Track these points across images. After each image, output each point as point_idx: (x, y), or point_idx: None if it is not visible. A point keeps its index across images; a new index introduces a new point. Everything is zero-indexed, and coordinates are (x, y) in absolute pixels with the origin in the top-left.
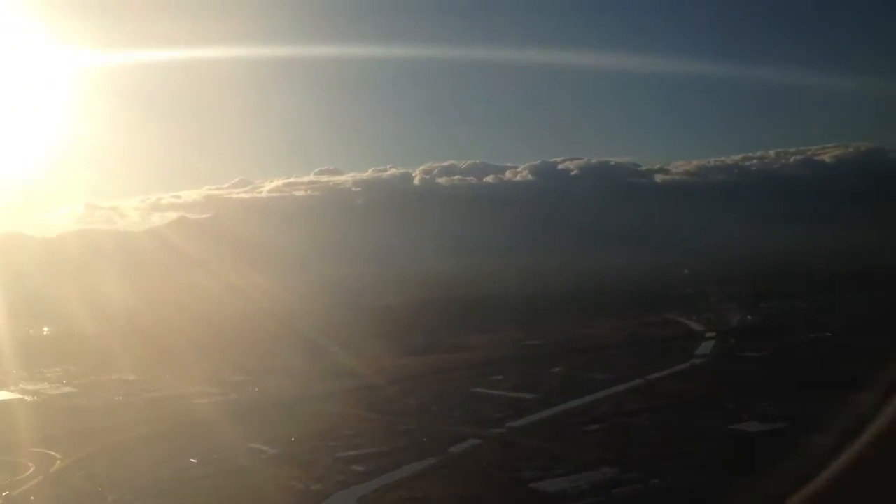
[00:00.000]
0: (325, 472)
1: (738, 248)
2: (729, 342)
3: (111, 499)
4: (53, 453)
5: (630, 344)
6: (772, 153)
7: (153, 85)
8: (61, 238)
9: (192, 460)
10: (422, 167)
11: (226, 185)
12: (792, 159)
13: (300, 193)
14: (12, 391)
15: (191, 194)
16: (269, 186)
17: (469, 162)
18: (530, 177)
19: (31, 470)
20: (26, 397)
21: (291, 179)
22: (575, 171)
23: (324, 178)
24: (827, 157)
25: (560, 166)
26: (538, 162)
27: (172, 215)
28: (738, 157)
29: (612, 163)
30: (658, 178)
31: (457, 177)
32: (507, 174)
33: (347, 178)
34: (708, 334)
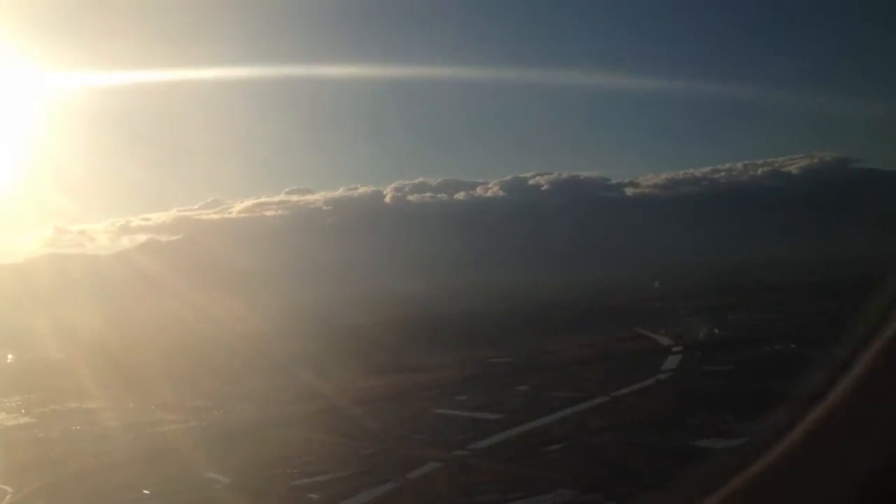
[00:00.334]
0: (279, 503)
1: (707, 261)
2: (696, 356)
3: None
4: (4, 487)
5: (598, 360)
6: (740, 165)
7: (121, 107)
8: (29, 263)
9: (145, 491)
10: (393, 185)
11: (196, 206)
12: (760, 171)
13: (271, 213)
14: None
15: (160, 216)
16: (239, 207)
17: (440, 179)
18: (501, 192)
19: None
20: None
21: (262, 199)
22: (546, 186)
23: (294, 198)
24: (793, 169)
25: (531, 181)
26: (509, 177)
27: (142, 238)
28: (706, 170)
29: (582, 177)
30: (628, 191)
31: (428, 194)
32: (479, 190)
33: (318, 197)
34: (675, 348)
